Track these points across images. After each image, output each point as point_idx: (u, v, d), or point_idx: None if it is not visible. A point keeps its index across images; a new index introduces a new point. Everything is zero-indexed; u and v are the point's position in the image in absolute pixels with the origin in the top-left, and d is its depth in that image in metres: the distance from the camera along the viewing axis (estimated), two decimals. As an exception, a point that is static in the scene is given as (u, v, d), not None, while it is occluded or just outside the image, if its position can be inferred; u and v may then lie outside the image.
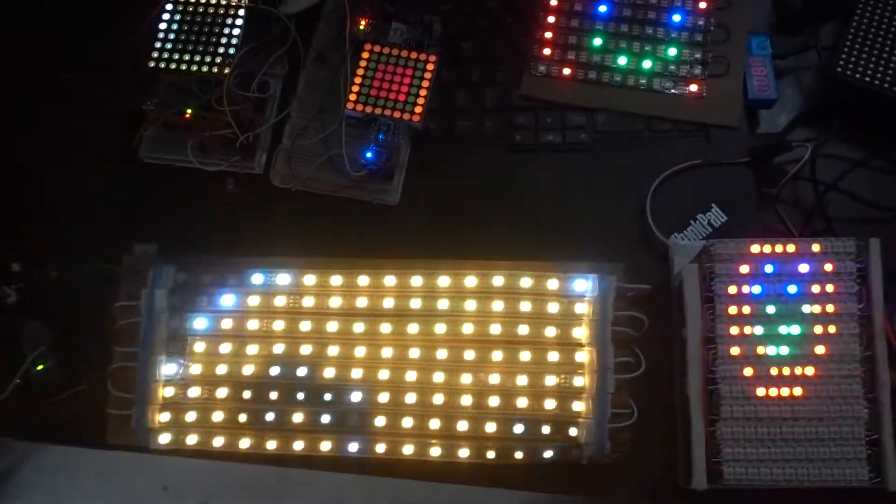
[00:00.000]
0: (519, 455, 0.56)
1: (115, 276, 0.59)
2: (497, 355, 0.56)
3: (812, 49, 0.64)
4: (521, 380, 0.56)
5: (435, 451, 0.56)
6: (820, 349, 0.55)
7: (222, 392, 0.57)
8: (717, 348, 0.55)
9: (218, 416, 0.57)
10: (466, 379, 0.56)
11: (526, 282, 0.57)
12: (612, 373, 0.55)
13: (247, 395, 0.57)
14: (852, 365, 0.55)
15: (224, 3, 0.64)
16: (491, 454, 0.56)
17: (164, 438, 0.57)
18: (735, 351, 0.55)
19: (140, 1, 0.63)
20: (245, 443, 0.57)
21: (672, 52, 0.63)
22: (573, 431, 0.55)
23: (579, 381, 0.56)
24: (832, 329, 0.55)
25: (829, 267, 0.56)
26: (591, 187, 0.62)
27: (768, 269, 0.56)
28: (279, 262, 0.59)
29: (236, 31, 0.64)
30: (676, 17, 0.63)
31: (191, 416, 0.57)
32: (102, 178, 0.64)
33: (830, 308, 0.55)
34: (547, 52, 0.63)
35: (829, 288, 0.56)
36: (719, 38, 0.63)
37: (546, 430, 0.56)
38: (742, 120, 0.62)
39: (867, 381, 0.55)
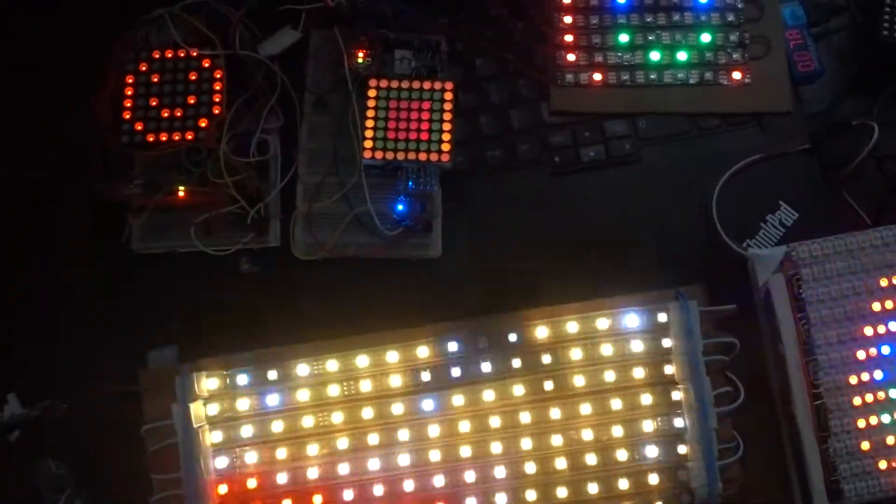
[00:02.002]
0: (627, 510, 0.52)
1: (134, 396, 0.52)
2: (585, 408, 0.52)
3: (845, 10, 0.60)
4: (617, 430, 0.52)
5: (537, 524, 0.52)
6: (922, 341, 0.53)
7: (287, 503, 0.52)
8: (817, 359, 0.52)
9: (288, 534, 0.52)
10: (557, 440, 0.52)
11: (602, 323, 0.53)
12: (713, 407, 0.52)
13: (318, 501, 0.52)
14: (956, 352, 0.53)
15: (195, 55, 0.57)
16: (599, 515, 0.52)
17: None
18: (836, 359, 0.53)
19: (100, 69, 0.55)
20: (324, 555, 0.52)
21: (706, 37, 0.58)
22: (682, 476, 0.52)
23: (679, 421, 0.52)
24: (930, 318, 0.53)
25: (916, 252, 0.53)
26: (646, 202, 0.57)
27: (855, 266, 0.53)
28: (322, 346, 0.53)
29: (218, 87, 0.56)
30: (703, -2, 0.59)
31: (275, 538, 0.52)
32: (94, 282, 0.57)
33: (925, 295, 0.53)
34: (571, 57, 0.58)
35: (918, 274, 0.53)
36: (752, 14, 0.59)
37: (653, 479, 0.52)
38: (795, 102, 0.58)
39: (972, 367, 0.53)
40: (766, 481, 0.54)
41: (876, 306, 0.53)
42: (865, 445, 0.52)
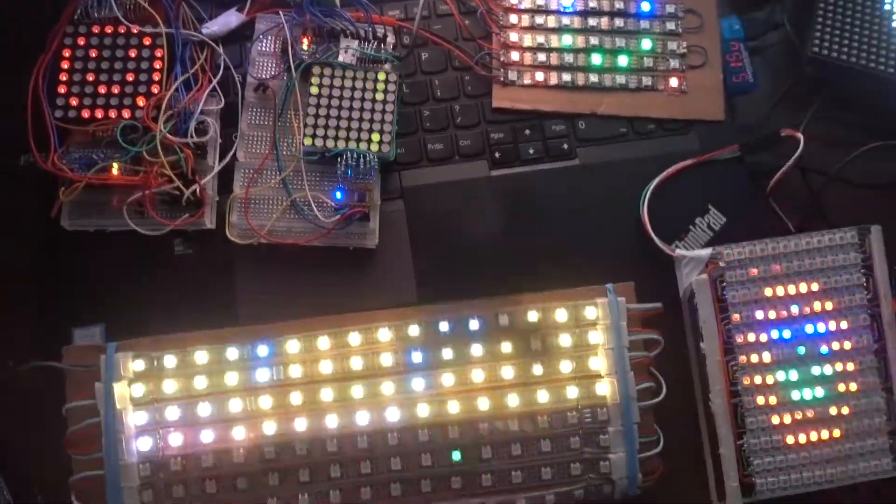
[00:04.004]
0: (551, 499, 0.54)
1: (58, 373, 0.52)
2: (513, 400, 0.54)
3: (780, 27, 0.64)
4: (542, 422, 0.54)
5: (460, 513, 0.54)
6: (836, 345, 0.56)
7: (211, 486, 0.53)
8: (736, 359, 0.56)
9: (214, 515, 0.53)
10: (483, 430, 0.54)
11: (532, 316, 0.55)
12: (636, 402, 0.54)
13: (241, 484, 0.53)
14: (868, 357, 0.57)
15: (136, 32, 0.57)
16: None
17: (151, 551, 0.52)
18: (755, 359, 0.56)
19: (35, 43, 0.55)
20: (246, 539, 0.53)
21: (647, 44, 0.61)
22: (604, 467, 0.54)
23: (602, 414, 0.55)
24: (844, 324, 0.57)
25: (832, 260, 0.57)
26: (582, 200, 0.60)
27: (776, 270, 0.56)
28: (252, 330, 0.54)
29: (158, 65, 0.57)
30: (645, 6, 0.62)
31: (177, 520, 0.52)
32: (21, 256, 0.56)
33: (839, 302, 0.57)
34: (515, 56, 0.61)
35: (836, 282, 0.57)
36: (692, 24, 0.62)
37: (575, 469, 0.54)
38: (727, 112, 0.61)
39: (881, 372, 0.57)
40: (685, 475, 0.57)
41: (794, 310, 0.56)
42: (778, 443, 0.56)
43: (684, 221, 0.60)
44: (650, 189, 0.59)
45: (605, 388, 0.55)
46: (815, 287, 0.57)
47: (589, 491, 0.55)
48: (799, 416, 0.56)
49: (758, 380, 0.56)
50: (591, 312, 0.55)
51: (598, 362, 0.55)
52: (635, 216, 0.59)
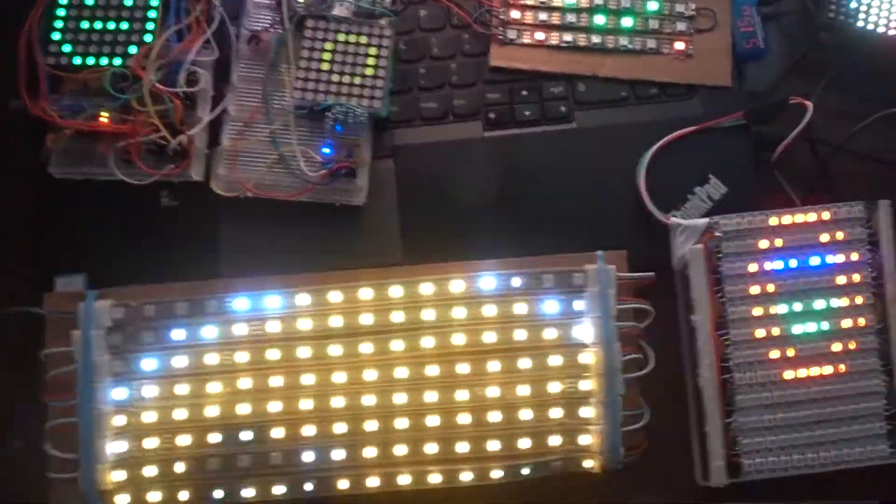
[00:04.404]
0: (527, 471, 0.53)
1: (39, 319, 0.53)
2: (494, 366, 0.53)
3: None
4: (523, 390, 0.53)
5: (435, 478, 0.53)
6: (835, 325, 0.54)
7: (185, 440, 0.53)
8: (729, 333, 0.54)
9: (181, 467, 0.53)
10: (462, 395, 0.53)
11: (517, 281, 0.54)
12: (621, 373, 0.53)
13: (214, 439, 0.53)
14: (868, 338, 0.54)
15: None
16: (497, 473, 0.53)
17: (123, 500, 0.52)
18: (748, 335, 0.54)
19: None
20: (219, 493, 0.53)
21: (653, 5, 0.59)
22: (584, 440, 0.53)
23: (586, 384, 0.53)
24: (845, 302, 0.54)
25: (838, 235, 0.54)
26: (577, 165, 0.58)
27: (777, 243, 0.54)
28: (235, 284, 0.54)
29: (152, 14, 0.57)
30: (653, -34, 0.59)
31: (150, 471, 0.52)
32: (8, 204, 0.56)
33: (842, 279, 0.54)
34: (515, 14, 0.59)
35: (840, 258, 0.54)
36: (702, -14, 0.60)
37: (555, 441, 0.53)
38: (733, 77, 0.59)
39: (883, 354, 0.54)
40: (671, 452, 0.56)
41: (793, 285, 0.54)
42: (768, 422, 0.54)
43: (683, 190, 0.58)
44: (648, 155, 0.57)
45: (589, 358, 0.54)
46: (816, 262, 0.54)
47: (568, 463, 0.53)
48: (792, 396, 0.54)
49: (750, 356, 0.54)
50: (578, 279, 0.54)
51: (584, 331, 0.54)
52: (633, 183, 0.57)
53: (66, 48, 0.56)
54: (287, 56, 0.56)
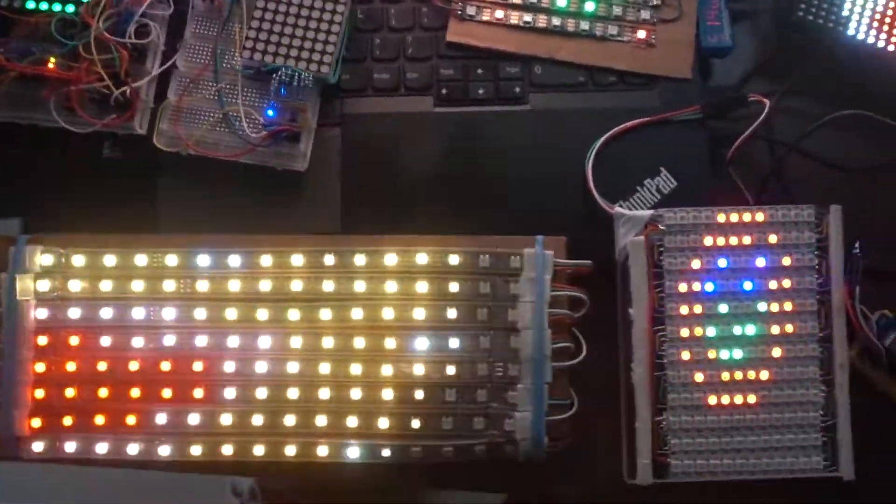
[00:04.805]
0: (449, 451, 0.52)
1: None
2: (422, 343, 0.53)
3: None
4: (450, 369, 0.53)
5: (353, 452, 0.52)
6: (776, 329, 0.53)
7: (104, 392, 0.52)
8: (665, 330, 0.53)
9: (101, 420, 0.52)
10: (387, 370, 0.53)
11: (453, 259, 0.53)
12: (550, 360, 0.52)
13: (135, 393, 0.52)
14: (811, 345, 0.53)
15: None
16: (417, 452, 0.52)
17: (38, 447, 0.52)
18: (685, 333, 0.53)
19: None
20: (134, 448, 0.52)
21: (618, -9, 0.58)
22: (508, 425, 0.52)
23: (514, 369, 0.53)
24: (788, 306, 0.53)
25: (786, 238, 0.53)
26: (527, 149, 0.58)
27: (723, 241, 0.53)
28: (168, 240, 0.54)
29: (108, -37, 0.56)
30: (623, -48, 0.58)
31: (68, 421, 0.52)
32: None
33: (787, 283, 0.53)
34: (477, -10, 0.58)
35: (786, 261, 0.53)
36: (671, -24, 0.59)
37: (479, 424, 0.52)
38: (695, 71, 0.58)
39: (825, 363, 0.53)
40: (600, 446, 0.55)
41: (737, 286, 0.53)
42: (700, 423, 0.53)
43: (634, 182, 0.57)
44: (598, 143, 0.56)
45: (519, 342, 0.53)
46: (762, 263, 0.53)
47: (491, 448, 0.53)
48: (727, 399, 0.53)
49: (686, 355, 0.53)
50: (515, 262, 0.53)
51: (516, 315, 0.53)
52: (583, 170, 0.56)
53: (20, -10, 0.56)
54: (241, 16, 0.56)
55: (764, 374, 0.53)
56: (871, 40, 0.58)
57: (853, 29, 0.58)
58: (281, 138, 0.55)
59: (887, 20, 0.58)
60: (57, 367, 0.52)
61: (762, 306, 0.53)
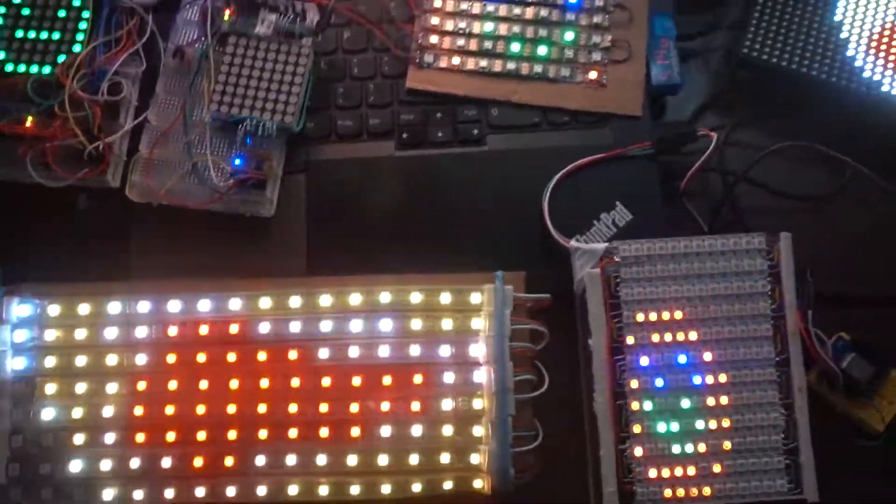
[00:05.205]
0: (417, 488, 0.54)
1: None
2: (387, 380, 0.54)
3: (718, 29, 0.63)
4: (415, 405, 0.54)
5: (323, 490, 0.54)
6: (734, 354, 0.55)
7: (79, 438, 0.54)
8: (625, 359, 0.54)
9: (77, 466, 0.54)
10: (354, 408, 0.54)
11: (416, 297, 0.55)
12: (512, 393, 0.54)
13: (109, 439, 0.54)
14: (768, 370, 0.55)
15: (66, -7, 0.60)
16: (386, 489, 0.54)
17: (16, 495, 0.53)
18: (644, 361, 0.54)
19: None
20: (109, 494, 0.54)
21: (569, 36, 0.61)
22: (475, 459, 0.54)
23: (478, 403, 0.54)
24: (744, 332, 0.55)
25: (739, 266, 0.55)
26: (485, 187, 0.60)
27: (678, 270, 0.55)
28: (141, 287, 0.56)
29: (83, 25, 0.60)
30: (573, -2, 0.61)
31: (45, 468, 0.54)
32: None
33: (742, 310, 0.55)
34: (434, 39, 0.61)
35: (740, 288, 0.55)
36: (621, 19, 0.62)
37: (445, 458, 0.54)
38: (646, 108, 0.61)
39: (783, 386, 0.55)
40: (566, 475, 0.56)
41: (691, 314, 0.55)
42: (663, 450, 0.54)
43: (589, 216, 0.59)
44: (554, 181, 0.58)
45: (482, 377, 0.54)
46: (716, 291, 0.55)
47: (458, 482, 0.54)
48: (688, 425, 0.54)
49: (646, 383, 0.54)
50: (475, 298, 0.55)
51: (479, 349, 0.55)
52: (540, 207, 0.58)
53: (1, 55, 0.59)
54: (209, 71, 0.59)
55: (724, 400, 0.54)
56: (814, 73, 0.61)
57: (796, 63, 0.61)
58: (248, 186, 0.57)
59: (829, 53, 0.61)
60: (34, 415, 0.54)
61: (718, 333, 0.55)
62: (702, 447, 0.54)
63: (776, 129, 0.61)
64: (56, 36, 0.59)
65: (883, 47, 0.61)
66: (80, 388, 0.54)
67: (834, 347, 0.57)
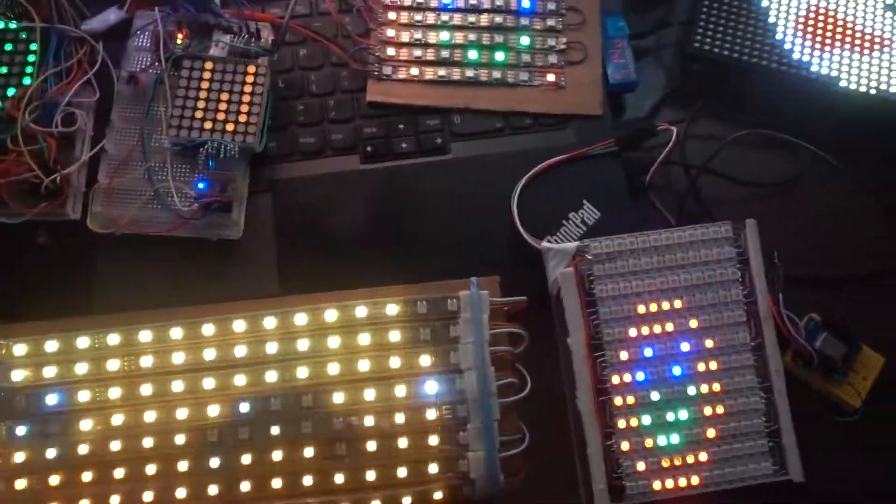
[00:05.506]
0: (407, 501, 0.53)
1: None
2: (369, 394, 0.54)
3: (669, 26, 0.65)
4: (399, 418, 0.54)
5: (311, 511, 0.53)
6: (709, 342, 0.56)
7: (55, 479, 0.52)
8: (605, 355, 0.55)
9: (55, 508, 0.52)
10: (338, 425, 0.54)
11: (391, 309, 0.55)
12: (496, 398, 0.54)
13: (86, 477, 0.52)
14: (745, 355, 0.56)
15: (11, 26, 0.59)
16: (376, 504, 0.53)
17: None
18: (624, 356, 0.55)
19: None
20: (88, 535, 0.52)
21: (525, 40, 0.62)
22: (463, 466, 0.54)
23: (462, 410, 0.54)
24: (719, 320, 0.56)
25: (708, 255, 0.56)
26: (453, 195, 0.60)
27: (649, 264, 0.56)
28: (108, 319, 0.55)
29: (31, 58, 0.59)
30: (526, 3, 0.63)
31: (21, 512, 0.52)
32: None
33: (715, 298, 0.56)
34: (391, 51, 0.62)
35: (712, 277, 0.56)
36: (574, 21, 0.63)
37: (433, 469, 0.53)
38: (606, 107, 0.62)
39: (760, 370, 0.56)
40: (555, 476, 0.56)
41: (666, 305, 0.56)
42: (649, 443, 0.54)
43: (558, 217, 0.59)
44: (521, 184, 0.59)
45: (464, 383, 0.54)
46: (688, 282, 0.56)
47: (449, 491, 0.54)
48: (671, 416, 0.55)
49: (627, 377, 0.55)
50: (452, 305, 0.55)
51: (459, 356, 0.55)
52: (508, 211, 0.59)
53: (-52, 93, 0.58)
54: (164, 96, 0.58)
55: (704, 388, 0.55)
56: (754, 60, 0.63)
57: (737, 52, 0.62)
58: (213, 209, 0.57)
59: (759, 39, 0.63)
60: (5, 459, 0.52)
61: (693, 323, 0.56)
62: (687, 437, 0.55)
63: (733, 119, 0.63)
64: (4, 70, 0.58)
65: (809, 28, 0.63)
66: (55, 427, 0.53)
67: (806, 328, 0.58)
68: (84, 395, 0.53)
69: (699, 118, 0.63)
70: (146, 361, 0.54)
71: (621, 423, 0.54)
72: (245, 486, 0.53)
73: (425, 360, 0.55)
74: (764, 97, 0.63)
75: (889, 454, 0.58)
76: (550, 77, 0.62)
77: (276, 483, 0.53)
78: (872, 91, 0.62)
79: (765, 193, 0.62)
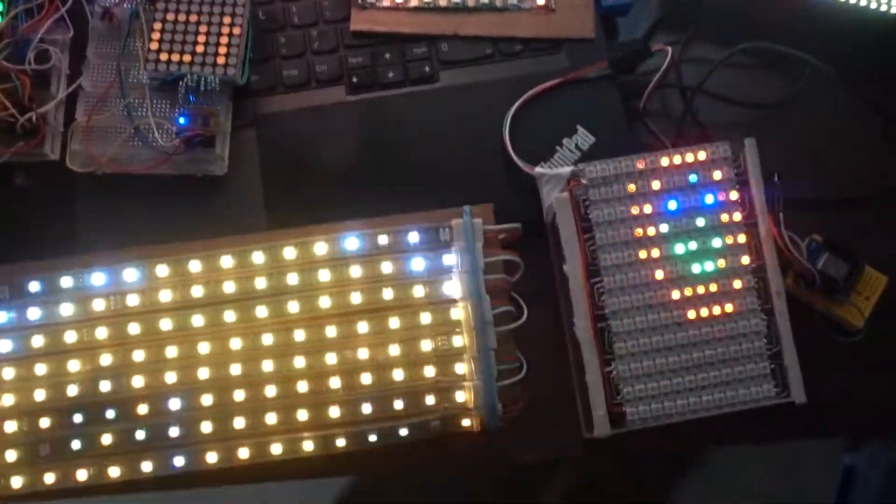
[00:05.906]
0: (404, 432, 0.53)
1: None
2: (362, 327, 0.53)
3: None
4: (394, 350, 0.53)
5: (308, 446, 0.53)
6: (710, 265, 0.55)
7: (45, 422, 0.52)
8: (602, 281, 0.54)
9: (45, 450, 0.52)
10: (331, 359, 0.53)
11: (382, 240, 0.54)
12: (492, 326, 0.53)
13: (77, 419, 0.52)
14: (746, 277, 0.55)
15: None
16: (373, 438, 0.53)
17: (-20, 485, 0.52)
18: (621, 280, 0.54)
19: None
20: (83, 474, 0.52)
21: (513, -38, 0.60)
22: (460, 397, 0.53)
23: (458, 340, 0.54)
24: (718, 242, 0.55)
25: (707, 176, 0.55)
26: (443, 124, 0.59)
27: (646, 187, 0.55)
28: (92, 259, 0.54)
29: (1, -5, 0.57)
30: (513, -77, 0.61)
31: (11, 456, 0.52)
32: None
33: (714, 220, 0.55)
34: (375, -22, 0.60)
35: (711, 199, 0.55)
36: (565, -59, 0.61)
37: (430, 400, 0.53)
38: (598, 30, 0.60)
39: (761, 292, 0.55)
40: (556, 404, 0.56)
41: (664, 228, 0.55)
42: (649, 368, 0.54)
43: (552, 143, 0.58)
44: (513, 110, 0.58)
45: (460, 314, 0.54)
46: (687, 204, 0.55)
47: (446, 422, 0.53)
48: (672, 340, 0.54)
49: (626, 303, 0.54)
50: (444, 234, 0.54)
51: (453, 287, 0.54)
52: (500, 139, 0.58)
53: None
54: (141, 31, 0.57)
55: (705, 311, 0.55)
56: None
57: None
58: (195, 144, 0.56)
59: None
60: (-7, 402, 0.52)
61: (693, 245, 0.55)
62: (687, 360, 0.54)
63: (730, 39, 0.61)
64: (-27, 7, 0.57)
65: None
66: (41, 369, 0.52)
67: (808, 249, 0.57)
68: (70, 336, 0.53)
69: (695, 39, 0.62)
70: (132, 300, 0.53)
71: (620, 349, 0.54)
72: (239, 423, 0.52)
73: (419, 291, 0.54)
74: (763, 13, 0.61)
75: (892, 372, 0.57)
76: (540, 0, 0.60)
77: (271, 418, 0.52)
78: (874, 6, 0.61)
79: (763, 114, 0.61)
